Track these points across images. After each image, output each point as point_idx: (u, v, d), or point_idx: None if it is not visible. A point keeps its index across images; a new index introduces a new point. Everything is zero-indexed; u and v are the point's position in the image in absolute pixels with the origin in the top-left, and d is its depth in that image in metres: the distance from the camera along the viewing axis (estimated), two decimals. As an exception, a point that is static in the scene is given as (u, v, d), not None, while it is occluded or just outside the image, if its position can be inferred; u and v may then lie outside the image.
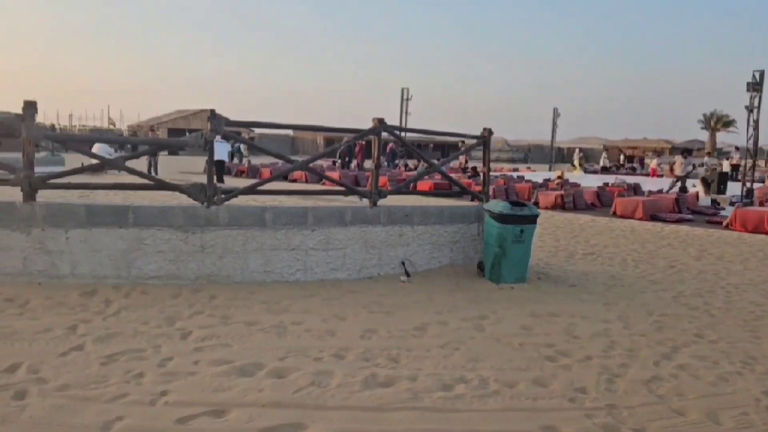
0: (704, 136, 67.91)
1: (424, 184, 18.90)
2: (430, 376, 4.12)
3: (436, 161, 9.95)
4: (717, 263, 9.25)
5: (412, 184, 19.06)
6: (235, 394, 3.66)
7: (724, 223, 14.22)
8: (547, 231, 12.15)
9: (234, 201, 6.60)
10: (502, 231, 7.12)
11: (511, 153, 68.82)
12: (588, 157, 68.94)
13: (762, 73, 19.28)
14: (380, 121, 7.23)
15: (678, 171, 20.46)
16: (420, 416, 3.49)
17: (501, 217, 7.13)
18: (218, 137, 6.55)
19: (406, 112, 33.39)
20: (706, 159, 46.81)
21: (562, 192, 16.95)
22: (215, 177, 6.49)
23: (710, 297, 6.95)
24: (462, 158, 23.90)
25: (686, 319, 5.95)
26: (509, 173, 29.79)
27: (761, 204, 15.99)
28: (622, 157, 43.86)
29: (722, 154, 45.14)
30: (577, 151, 38.88)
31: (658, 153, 51.82)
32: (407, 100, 33.37)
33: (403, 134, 16.06)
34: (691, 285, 7.57)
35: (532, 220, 7.24)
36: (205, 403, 3.52)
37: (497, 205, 7.26)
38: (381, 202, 7.54)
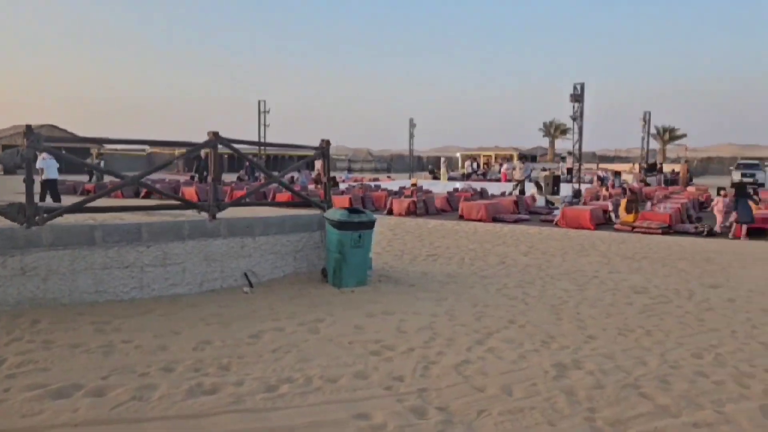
0: (546, 143, 74.00)
1: (282, 196, 18.92)
2: (257, 380, 4.25)
3: (276, 173, 10.04)
4: (541, 257, 10.23)
5: (271, 196, 18.91)
6: (45, 417, 3.55)
7: (554, 222, 15.66)
8: (397, 236, 12.69)
9: (68, 219, 6.30)
10: (342, 237, 7.40)
11: (374, 163, 70.45)
12: (450, 165, 72.86)
13: (582, 86, 21.50)
14: (215, 135, 7.24)
15: (517, 175, 22.18)
16: (240, 418, 3.61)
17: (339, 224, 7.41)
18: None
19: (265, 125, 33.14)
20: (549, 165, 51.11)
21: (414, 198, 17.74)
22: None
23: (529, 287, 7.70)
24: (319, 168, 24.13)
25: (504, 308, 6.57)
26: (368, 182, 30.54)
27: (586, 203, 17.76)
28: (477, 165, 46.53)
29: (563, 159, 49.32)
30: (442, 160, 40.77)
31: (507, 159, 55.54)
32: (265, 112, 33.13)
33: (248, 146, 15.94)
34: (516, 278, 8.34)
35: (370, 225, 7.60)
36: (11, 430, 3.38)
37: (336, 213, 7.54)
38: (223, 214, 7.54)
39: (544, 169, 45.78)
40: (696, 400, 4.04)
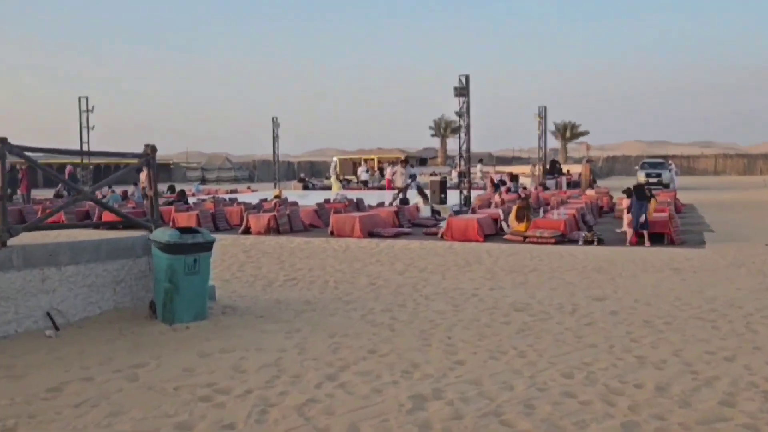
0: (437, 143, 76.57)
1: (110, 215, 18.25)
2: (50, 443, 4.14)
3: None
4: (418, 276, 10.66)
5: (96, 215, 18.19)
6: None
7: (440, 234, 16.31)
8: (251, 259, 12.71)
9: None
10: (173, 263, 7.33)
11: (234, 172, 69.48)
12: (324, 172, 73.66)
13: (467, 78, 22.62)
14: (2, 141, 6.94)
15: (399, 182, 22.84)
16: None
17: (170, 247, 7.34)
18: None
19: (88, 127, 31.76)
20: (441, 169, 52.98)
21: (276, 213, 17.78)
22: None
23: (398, 311, 8.02)
24: (143, 179, 23.39)
25: (366, 336, 6.81)
26: (223, 195, 30.15)
27: (475, 211, 18.64)
28: (358, 170, 47.26)
29: (454, 162, 51.32)
30: (334, 163, 40.93)
31: (393, 163, 56.87)
32: (87, 111, 31.77)
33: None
34: (385, 300, 8.64)
35: (207, 247, 7.59)
36: None
37: (164, 234, 7.46)
38: (16, 240, 7.21)
39: (434, 174, 47.48)
40: (558, 422, 4.45)
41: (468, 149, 23.71)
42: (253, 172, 72.03)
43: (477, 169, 34.83)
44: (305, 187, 39.98)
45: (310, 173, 78.32)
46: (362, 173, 41.44)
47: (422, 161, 69.78)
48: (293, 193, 37.46)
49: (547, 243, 14.85)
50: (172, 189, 33.45)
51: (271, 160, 48.55)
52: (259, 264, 12.09)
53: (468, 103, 22.93)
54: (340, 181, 40.49)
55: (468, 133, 23.37)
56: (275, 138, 40.05)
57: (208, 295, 7.99)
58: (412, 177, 24.35)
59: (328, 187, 40.30)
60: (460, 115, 23.04)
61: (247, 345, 6.50)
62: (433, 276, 10.61)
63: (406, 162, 23.62)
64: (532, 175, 39.67)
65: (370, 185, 39.42)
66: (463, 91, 22.58)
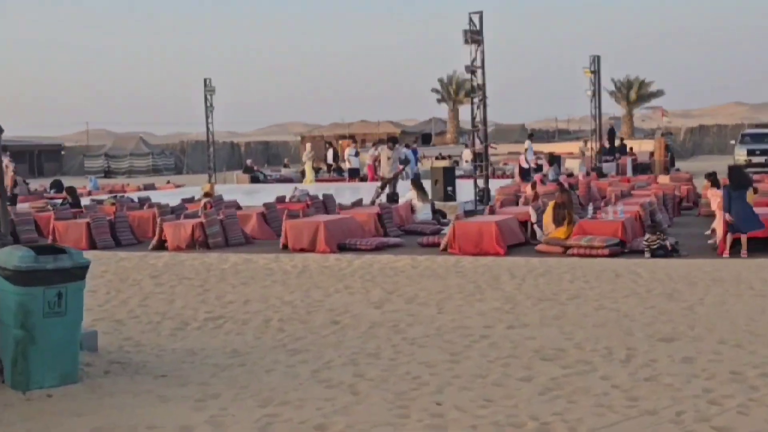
0: (445, 112, 76.67)
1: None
2: None
3: None
4: (404, 308, 10.49)
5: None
6: None
7: (442, 245, 16.15)
8: (161, 287, 12.59)
9: None
10: (25, 299, 7.08)
11: (152, 158, 69.32)
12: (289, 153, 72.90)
13: (481, 17, 22.46)
14: None
15: (384, 171, 22.66)
16: None
17: (19, 276, 7.08)
18: None
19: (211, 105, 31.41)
20: (450, 149, 53.02)
21: (203, 220, 17.56)
22: None
23: (368, 364, 7.79)
24: None
25: (314, 404, 6.57)
26: (130, 194, 29.93)
27: (494, 211, 18.42)
28: (330, 153, 47.27)
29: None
30: (307, 148, 40.45)
31: (376, 144, 56.74)
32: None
33: None
34: (351, 347, 8.43)
35: (77, 274, 7.36)
36: None
37: (11, 256, 7.20)
38: None
39: (440, 157, 47.65)
40: None
41: (484, 120, 23.54)
42: (181, 158, 71.86)
43: (525, 151, 34.60)
44: (254, 180, 39.84)
45: (264, 159, 78.46)
46: (350, 156, 40.92)
47: (425, 138, 70.14)
48: (236, 188, 37.41)
49: (597, 255, 14.73)
50: (57, 186, 33.28)
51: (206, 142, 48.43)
52: (172, 295, 11.97)
53: (483, 53, 22.76)
54: (316, 170, 40.00)
55: (483, 97, 23.23)
56: (208, 108, 39.84)
57: (81, 345, 7.78)
58: (404, 162, 24.16)
59: (289, 180, 40.18)
60: (472, 71, 22.88)
61: (136, 421, 6.27)
62: (425, 309, 10.43)
63: (393, 142, 23.39)
64: (581, 156, 39.58)
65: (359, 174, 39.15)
66: (475, 36, 22.44)
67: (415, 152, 38.92)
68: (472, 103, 23.91)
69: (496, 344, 8.46)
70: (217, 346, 8.74)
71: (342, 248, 16.56)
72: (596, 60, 36.43)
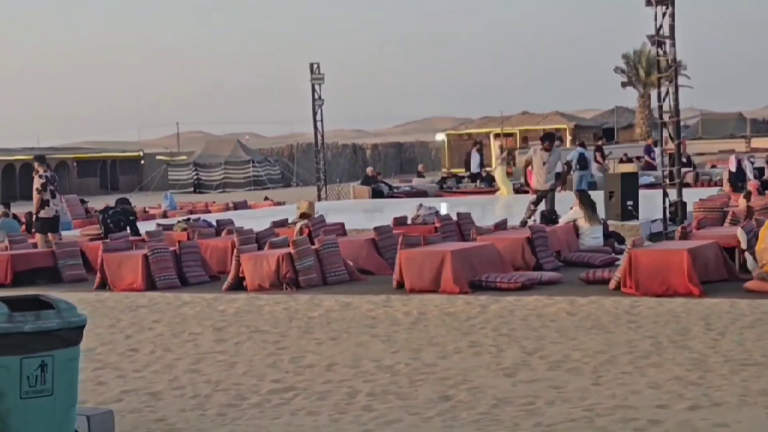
0: (633, 99, 75.19)
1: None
2: None
3: None
4: (545, 377, 9.79)
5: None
6: None
7: (613, 282, 15.37)
8: (224, 347, 12.36)
9: None
10: (-4, 373, 6.72)
11: (252, 167, 70.17)
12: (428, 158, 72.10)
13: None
14: None
15: (539, 180, 21.90)
16: None
17: (-11, 341, 6.72)
18: None
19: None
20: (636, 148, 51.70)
21: (292, 250, 17.23)
22: None
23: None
24: None
25: None
26: (215, 215, 30.14)
27: (686, 234, 17.45)
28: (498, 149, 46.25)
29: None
30: (495, 148, 39.83)
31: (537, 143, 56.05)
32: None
33: None
34: None
35: (69, 338, 6.95)
36: None
37: (-22, 312, 6.84)
38: None
39: (626, 159, 46.35)
40: None
41: (676, 108, 22.57)
42: (290, 166, 72.64)
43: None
44: (376, 194, 39.59)
45: (395, 165, 78.71)
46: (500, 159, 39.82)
47: (607, 134, 68.83)
48: (353, 205, 37.33)
49: None
50: (122, 204, 33.72)
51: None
52: (235, 356, 11.68)
53: (673, 17, 21.83)
54: (510, 174, 38.21)
55: (675, 76, 22.30)
56: (316, 102, 39.90)
57: None
58: (567, 166, 23.39)
59: (422, 193, 39.67)
60: (658, 43, 21.99)
61: None
62: (576, 379, 9.73)
63: (549, 140, 22.54)
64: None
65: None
66: (662, -4, 21.57)
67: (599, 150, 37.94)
68: (659, 86, 23.03)
69: (664, 439, 7.64)
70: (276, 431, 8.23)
71: (476, 287, 16.00)
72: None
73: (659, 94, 23.03)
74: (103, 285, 18.25)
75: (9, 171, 69.48)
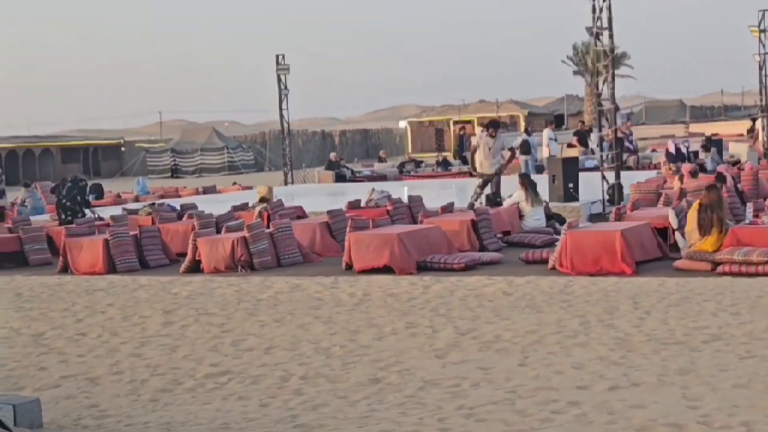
0: (581, 88, 74.91)
1: None
2: None
3: None
4: (474, 358, 9.43)
5: None
6: None
7: (550, 262, 15.02)
8: (170, 330, 11.92)
9: None
10: None
11: (226, 153, 69.45)
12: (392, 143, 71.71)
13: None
14: None
15: (484, 165, 21.46)
16: None
17: None
18: None
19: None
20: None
21: (246, 234, 16.75)
22: None
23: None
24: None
25: None
26: (185, 198, 29.53)
27: (620, 217, 17.07)
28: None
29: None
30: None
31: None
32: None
33: None
34: (383, 421, 7.41)
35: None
36: None
37: None
38: None
39: (573, 145, 46.14)
40: None
41: (612, 95, 22.26)
42: (262, 153, 71.82)
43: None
44: (339, 178, 38.99)
45: (362, 151, 78.02)
46: (550, 141, 37.31)
47: (557, 120, 68.50)
48: (317, 188, 36.84)
49: (756, 274, 13.48)
50: (97, 191, 33.18)
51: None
52: (179, 339, 11.27)
53: (610, 9, 21.54)
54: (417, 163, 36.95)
55: (612, 65, 22.03)
56: (282, 91, 39.27)
57: (15, 422, 7.12)
58: (511, 151, 23.00)
59: (383, 177, 39.10)
60: (595, 33, 21.66)
61: None
62: (504, 360, 9.37)
63: (494, 127, 22.05)
64: (751, 139, 37.60)
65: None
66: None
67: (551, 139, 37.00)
68: (597, 75, 22.75)
69: (586, 416, 7.25)
70: (204, 419, 7.81)
71: (422, 268, 15.57)
72: (765, 16, 34.50)
73: (597, 83, 22.76)
74: (66, 269, 17.71)
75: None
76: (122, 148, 78.07)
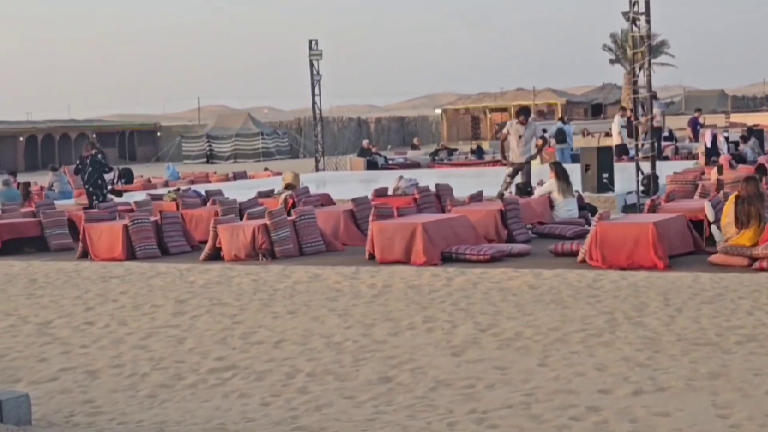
0: (620, 77, 73.95)
1: None
2: None
3: None
4: (492, 356, 8.95)
5: None
6: None
7: (579, 254, 14.52)
8: (180, 320, 11.52)
9: None
10: None
11: (261, 140, 69.19)
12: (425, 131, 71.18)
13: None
14: None
15: (514, 153, 20.98)
16: None
17: None
18: None
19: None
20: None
21: (267, 221, 16.33)
22: None
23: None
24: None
25: None
26: (214, 184, 29.15)
27: (654, 208, 16.53)
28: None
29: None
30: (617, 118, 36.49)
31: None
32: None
33: None
34: (389, 424, 6.91)
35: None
36: None
37: None
38: None
39: (611, 134, 45.52)
40: None
41: (648, 83, 21.71)
42: (297, 139, 71.60)
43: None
44: (371, 165, 38.60)
45: (398, 138, 77.58)
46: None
47: (595, 109, 67.74)
48: (349, 176, 36.44)
49: None
50: (127, 175, 33.05)
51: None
52: (188, 330, 10.85)
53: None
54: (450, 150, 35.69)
55: (648, 51, 21.48)
56: (314, 77, 38.95)
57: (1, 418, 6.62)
58: (543, 140, 22.46)
59: (416, 165, 38.77)
60: (632, 18, 21.10)
61: None
62: (522, 359, 8.86)
63: (525, 115, 21.56)
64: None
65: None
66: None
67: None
68: (633, 62, 22.19)
69: (607, 424, 6.74)
70: (200, 418, 7.36)
71: (446, 259, 15.12)
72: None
73: (633, 69, 22.23)
74: (85, 255, 17.36)
75: (32, 141, 68.78)
76: (158, 133, 78.16)
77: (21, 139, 68.13)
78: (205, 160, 67.43)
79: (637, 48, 22.14)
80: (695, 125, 40.10)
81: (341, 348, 9.53)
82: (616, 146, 33.06)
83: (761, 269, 13.15)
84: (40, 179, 37.98)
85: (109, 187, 24.53)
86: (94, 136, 72.98)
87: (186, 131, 76.81)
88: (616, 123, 36.35)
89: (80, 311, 12.13)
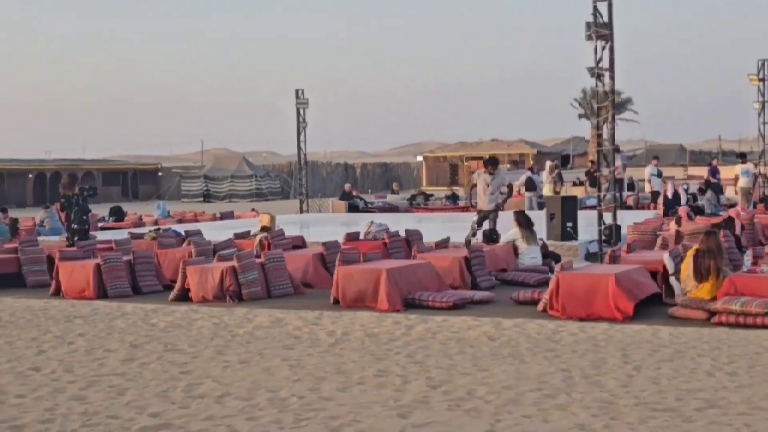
0: (587, 130, 73.20)
1: None
2: None
3: None
4: (440, 419, 7.75)
5: None
6: None
7: (540, 304, 13.46)
8: (128, 368, 10.30)
9: None
10: None
11: (254, 181, 68.27)
12: (406, 179, 70.51)
13: (610, 5, 19.81)
14: None
15: (482, 201, 19.99)
16: None
17: None
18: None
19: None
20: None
21: (235, 263, 15.18)
22: None
23: None
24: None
25: None
26: (202, 224, 27.94)
27: (612, 259, 15.46)
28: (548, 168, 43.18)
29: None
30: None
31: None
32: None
33: None
34: None
35: None
36: None
37: None
38: None
39: (578, 183, 44.49)
40: None
41: (612, 135, 20.81)
42: (288, 181, 70.59)
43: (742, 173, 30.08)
44: (352, 208, 37.42)
45: (382, 183, 76.64)
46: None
47: (564, 160, 66.81)
48: (330, 218, 35.39)
49: (755, 326, 11.88)
50: (117, 213, 31.96)
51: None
52: (132, 380, 9.58)
53: (612, 51, 20.07)
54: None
55: (612, 106, 20.63)
56: (300, 125, 38.10)
57: None
58: (509, 188, 21.50)
59: (395, 208, 37.70)
60: (597, 74, 20.16)
61: None
62: (471, 423, 7.68)
63: (493, 164, 20.56)
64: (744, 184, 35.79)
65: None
66: (601, 30, 19.74)
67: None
68: (598, 116, 21.30)
69: None
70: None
71: (410, 305, 13.98)
72: (765, 65, 33.00)
73: (598, 123, 21.34)
74: (59, 292, 16.15)
75: (41, 178, 67.86)
76: (159, 173, 77.23)
77: (30, 176, 67.28)
78: (201, 199, 66.51)
79: (601, 102, 21.17)
80: (714, 174, 38.30)
81: (285, 405, 8.32)
82: (651, 193, 32.36)
83: (720, 323, 12.08)
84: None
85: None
86: (100, 174, 72.63)
87: (185, 172, 75.94)
88: (647, 172, 35.41)
89: (31, 355, 10.86)
